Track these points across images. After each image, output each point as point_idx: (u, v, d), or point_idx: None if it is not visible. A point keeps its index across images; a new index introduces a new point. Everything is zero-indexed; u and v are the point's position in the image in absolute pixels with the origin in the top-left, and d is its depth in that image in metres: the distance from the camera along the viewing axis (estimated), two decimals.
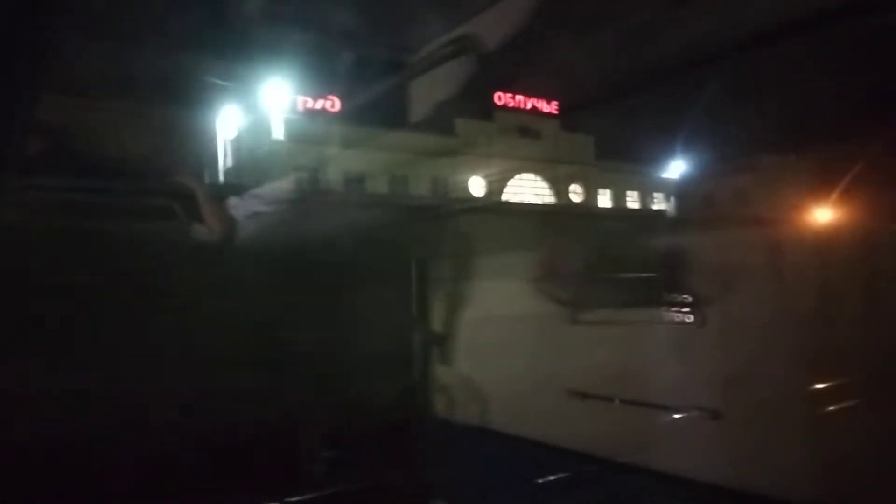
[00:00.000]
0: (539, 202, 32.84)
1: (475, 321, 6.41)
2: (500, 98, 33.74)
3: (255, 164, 28.37)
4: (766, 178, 24.27)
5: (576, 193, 35.39)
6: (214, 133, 24.69)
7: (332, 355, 5.40)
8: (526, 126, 34.27)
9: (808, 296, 6.32)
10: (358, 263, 5.66)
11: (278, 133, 30.25)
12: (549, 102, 34.33)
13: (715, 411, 6.07)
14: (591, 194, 35.71)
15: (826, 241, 7.40)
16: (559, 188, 34.62)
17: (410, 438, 5.85)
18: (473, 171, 33.18)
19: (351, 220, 5.61)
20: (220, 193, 5.10)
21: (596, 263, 6.56)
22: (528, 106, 34.48)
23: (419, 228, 6.11)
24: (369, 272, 5.74)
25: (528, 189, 34.46)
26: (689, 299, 6.26)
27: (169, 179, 5.06)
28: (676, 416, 6.13)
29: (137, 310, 4.71)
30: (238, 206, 5.10)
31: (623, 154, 35.25)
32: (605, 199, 36.88)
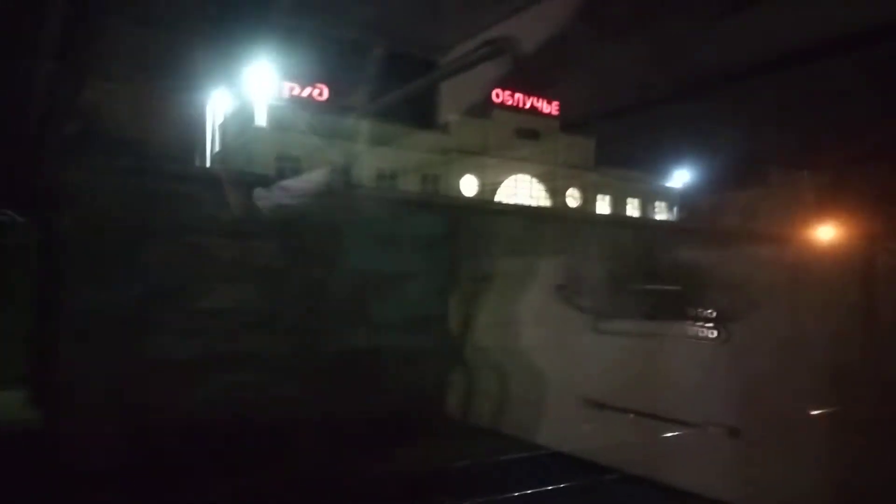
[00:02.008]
0: (535, 204, 32.92)
1: (497, 324, 6.48)
2: (498, 96, 33.79)
3: (237, 151, 28.24)
4: (775, 192, 24.50)
5: (573, 198, 35.49)
6: (205, 117, 24.55)
7: (356, 351, 5.47)
8: (524, 126, 34.32)
9: (830, 314, 6.44)
10: (386, 260, 5.73)
11: (261, 120, 30.05)
12: (549, 102, 34.41)
13: (733, 428, 6.17)
14: (589, 199, 35.83)
15: (845, 260, 7.53)
16: (556, 191, 34.69)
17: (425, 437, 5.91)
18: (467, 170, 33.24)
19: (381, 217, 5.68)
20: (247, 183, 5.14)
21: (621, 273, 6.64)
22: (528, 105, 34.55)
23: (448, 228, 6.17)
24: (398, 270, 5.79)
25: (523, 191, 34.53)
26: (713, 314, 6.36)
27: (198, 166, 5.11)
28: (694, 431, 6.24)
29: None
30: (265, 198, 5.14)
31: (624, 159, 35.40)
32: (603, 205, 37.04)
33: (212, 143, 27.05)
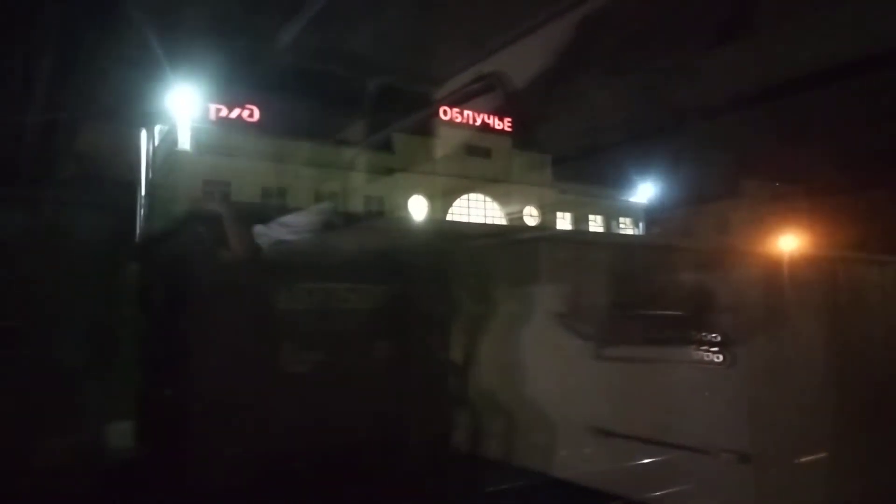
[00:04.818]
0: (491, 223, 33.21)
1: (498, 353, 6.61)
2: (446, 113, 33.92)
3: (163, 177, 27.87)
4: (747, 203, 25.09)
5: (530, 216, 35.87)
6: (138, 146, 24.13)
7: (356, 383, 5.53)
8: (474, 144, 34.56)
9: (834, 333, 6.74)
10: (384, 293, 5.82)
11: (185, 143, 29.68)
12: (500, 119, 34.68)
13: (743, 454, 6.37)
14: (547, 217, 36.25)
15: (840, 275, 7.89)
16: (512, 209, 35.05)
17: (427, 469, 5.99)
18: (414, 190, 33.33)
19: (380, 250, 5.78)
20: (246, 219, 5.20)
21: (622, 297, 6.84)
22: (478, 122, 34.75)
23: (448, 257, 6.31)
24: (396, 302, 5.89)
25: (477, 210, 34.80)
26: (718, 338, 6.56)
27: (197, 203, 5.18)
28: (702, 457, 6.43)
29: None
30: (264, 234, 5.19)
31: (583, 175, 35.91)
32: (564, 223, 37.53)
33: (146, 171, 26.67)
